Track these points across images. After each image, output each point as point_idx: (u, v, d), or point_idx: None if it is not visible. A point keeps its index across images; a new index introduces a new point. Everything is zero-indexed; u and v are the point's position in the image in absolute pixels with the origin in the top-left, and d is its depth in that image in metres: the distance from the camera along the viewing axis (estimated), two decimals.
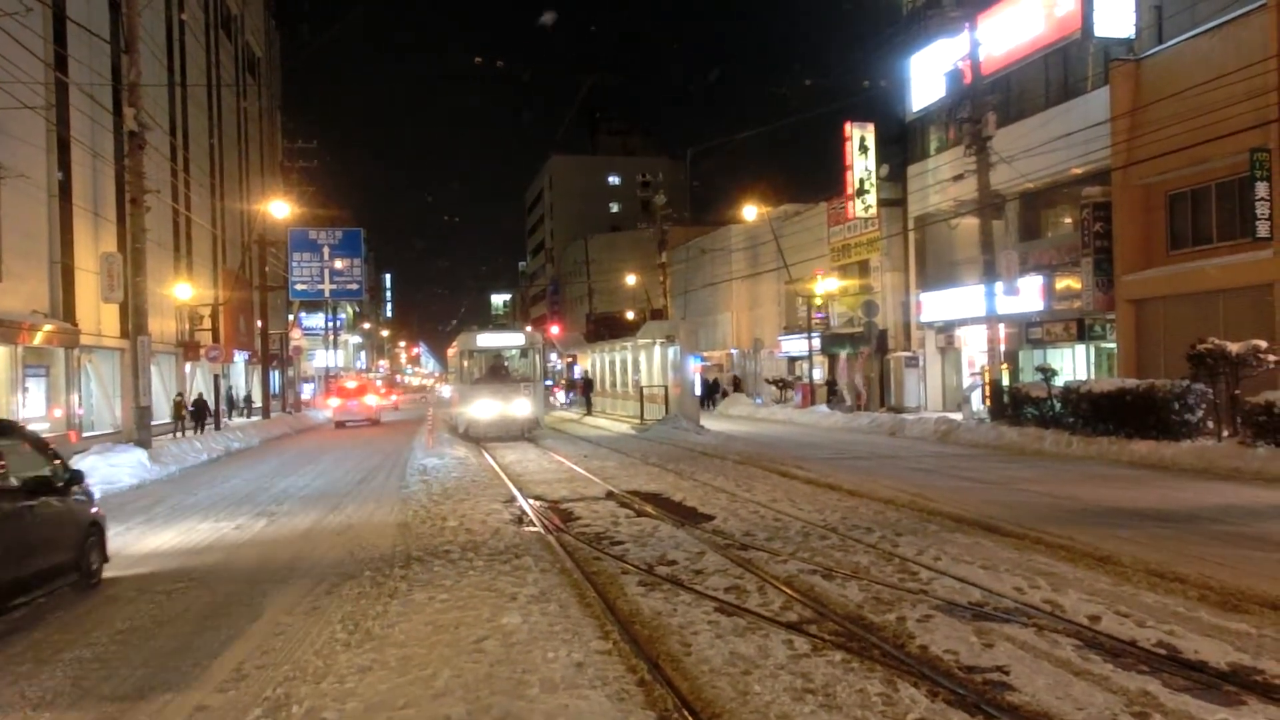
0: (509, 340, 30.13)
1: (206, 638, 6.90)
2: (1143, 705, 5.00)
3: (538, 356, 27.78)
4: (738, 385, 43.67)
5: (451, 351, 32.40)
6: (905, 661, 5.78)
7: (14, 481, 7.70)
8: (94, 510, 9.17)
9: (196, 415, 29.87)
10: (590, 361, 41.45)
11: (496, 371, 27.35)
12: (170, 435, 26.77)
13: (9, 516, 7.43)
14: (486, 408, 25.67)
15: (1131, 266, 22.64)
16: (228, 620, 7.38)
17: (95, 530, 8.98)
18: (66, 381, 23.92)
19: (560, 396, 48.34)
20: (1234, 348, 16.20)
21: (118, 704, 5.57)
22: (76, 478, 8.76)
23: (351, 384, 40.78)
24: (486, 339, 28.99)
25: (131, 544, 11.05)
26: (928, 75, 30.37)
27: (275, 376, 44.06)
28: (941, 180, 29.24)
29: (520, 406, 25.65)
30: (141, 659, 6.45)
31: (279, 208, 41.77)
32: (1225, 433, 16.31)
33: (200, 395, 31.81)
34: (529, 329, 40.02)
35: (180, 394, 31.53)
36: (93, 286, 24.57)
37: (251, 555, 10.19)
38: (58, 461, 8.72)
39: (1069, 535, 9.47)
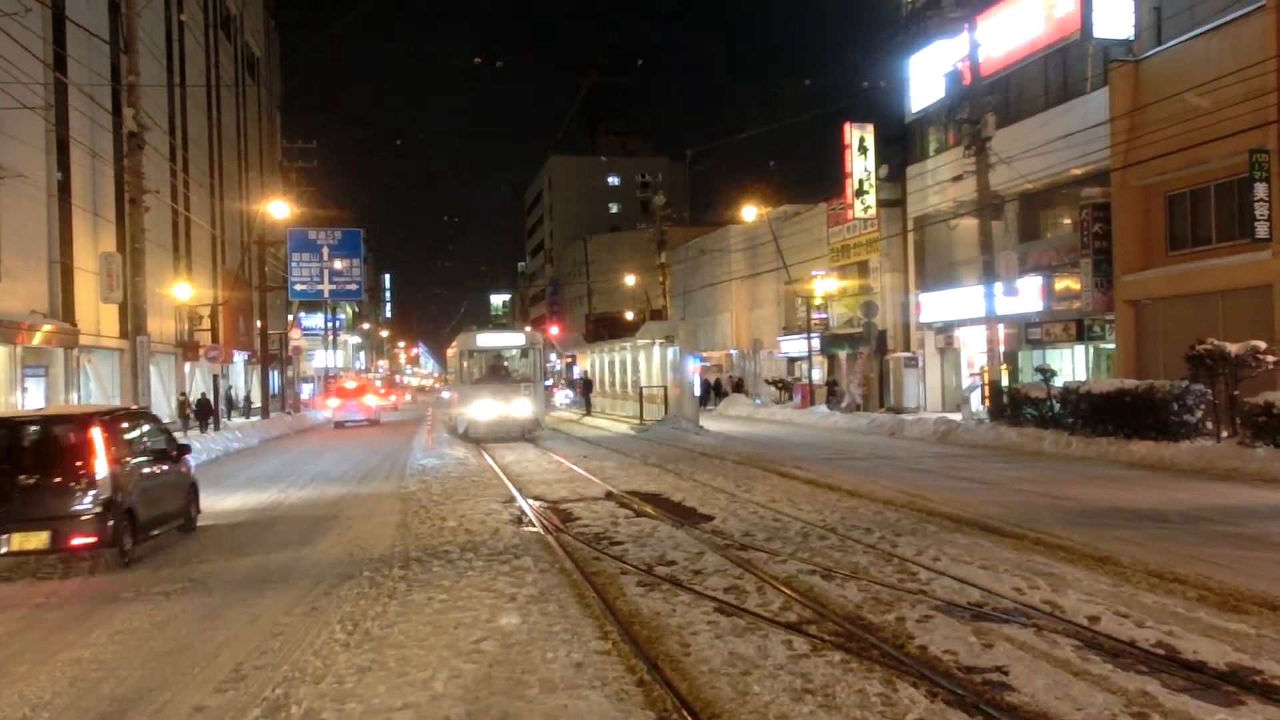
0: (509, 340, 30.04)
1: (203, 638, 6.92)
2: (1142, 705, 5.00)
3: (538, 356, 27.64)
4: (739, 386, 43.54)
5: (451, 352, 32.33)
6: (904, 662, 5.78)
7: (149, 450, 10.68)
8: (193, 474, 12.10)
9: (200, 415, 29.88)
10: (590, 362, 41.39)
11: (496, 372, 27.23)
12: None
13: (150, 475, 10.48)
14: (486, 408, 25.55)
15: (1130, 267, 22.64)
16: (224, 621, 7.40)
17: (194, 490, 11.97)
18: (66, 381, 23.93)
19: (560, 397, 48.34)
20: (1233, 348, 16.20)
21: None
22: (184, 449, 11.79)
23: (351, 384, 40.75)
24: (486, 339, 28.89)
25: None
26: (927, 76, 30.36)
27: (274, 377, 44.05)
28: (941, 181, 29.22)
29: (520, 407, 25.54)
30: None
31: (278, 208, 41.73)
32: (1224, 433, 16.30)
33: (203, 395, 31.80)
34: (529, 329, 40.01)
35: (183, 393, 31.51)
36: (92, 286, 24.56)
37: (249, 555, 10.20)
38: (171, 438, 11.67)
39: (1068, 536, 9.47)
